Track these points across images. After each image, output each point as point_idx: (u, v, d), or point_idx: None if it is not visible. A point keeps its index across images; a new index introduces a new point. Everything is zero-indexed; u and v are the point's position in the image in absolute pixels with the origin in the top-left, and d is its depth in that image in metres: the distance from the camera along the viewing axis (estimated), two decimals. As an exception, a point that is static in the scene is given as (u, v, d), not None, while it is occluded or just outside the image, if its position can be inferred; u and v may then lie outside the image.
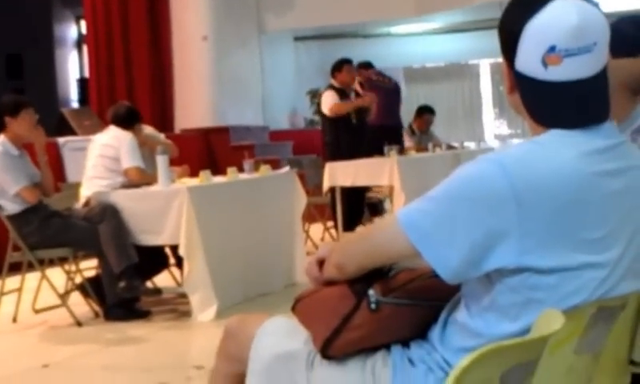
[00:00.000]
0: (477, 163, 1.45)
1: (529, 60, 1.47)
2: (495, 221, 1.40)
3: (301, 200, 6.09)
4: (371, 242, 1.59)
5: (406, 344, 1.63)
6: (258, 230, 5.63)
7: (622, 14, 2.54)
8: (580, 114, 1.47)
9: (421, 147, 8.54)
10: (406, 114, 9.62)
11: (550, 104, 1.48)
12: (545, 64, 1.45)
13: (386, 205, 7.96)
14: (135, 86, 10.53)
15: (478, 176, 1.43)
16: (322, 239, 8.16)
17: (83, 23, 11.62)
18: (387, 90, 8.57)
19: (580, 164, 1.43)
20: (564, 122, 1.47)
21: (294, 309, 1.76)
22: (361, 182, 7.53)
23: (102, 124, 6.08)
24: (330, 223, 8.11)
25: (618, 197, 1.47)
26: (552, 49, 1.44)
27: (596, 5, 1.49)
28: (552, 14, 1.45)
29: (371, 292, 1.62)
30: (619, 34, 2.37)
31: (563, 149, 1.44)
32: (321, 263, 1.72)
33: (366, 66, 8.70)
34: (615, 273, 1.46)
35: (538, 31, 1.45)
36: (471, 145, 10.50)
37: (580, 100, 1.47)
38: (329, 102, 7.78)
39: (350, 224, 7.56)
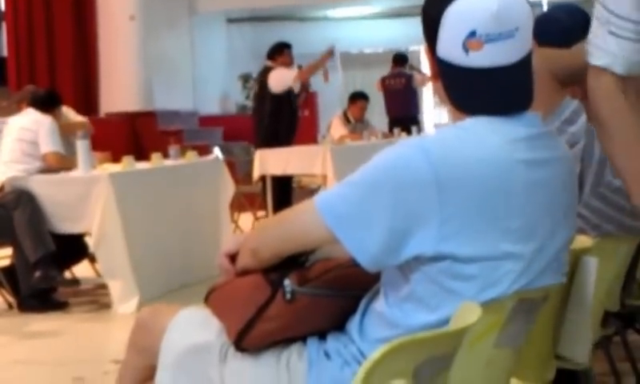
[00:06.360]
0: (398, 147, 1.45)
1: (450, 45, 1.46)
2: (415, 206, 1.39)
3: (228, 188, 5.99)
4: (288, 227, 1.56)
5: (322, 336, 1.60)
6: (183, 219, 5.53)
7: (555, 1, 2.51)
8: (502, 101, 1.47)
9: (356, 135, 8.49)
10: (343, 100, 9.61)
11: (471, 91, 1.47)
12: (466, 49, 1.44)
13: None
14: (57, 67, 10.20)
15: (399, 160, 1.42)
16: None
17: (1, -1, 11.19)
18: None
19: (504, 151, 1.43)
20: (485, 109, 1.46)
21: (206, 300, 1.71)
22: (292, 170, 7.42)
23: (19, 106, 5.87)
24: (261, 213, 7.99)
25: (541, 187, 1.47)
26: (472, 34, 1.43)
27: None
28: None
29: (287, 282, 1.58)
30: (552, 23, 2.34)
31: (487, 134, 1.44)
32: (232, 256, 1.67)
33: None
34: (534, 264, 1.46)
35: (459, 16, 1.44)
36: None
37: (502, 87, 1.46)
38: (288, 74, 7.50)
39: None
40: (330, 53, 7.82)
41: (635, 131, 1.51)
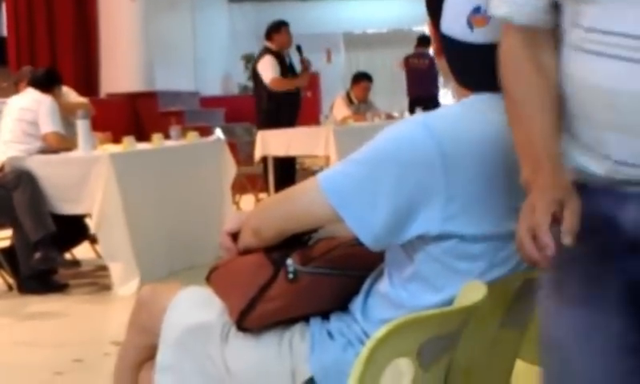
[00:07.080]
0: (402, 125, 1.44)
1: (454, 21, 1.45)
2: (420, 184, 1.38)
3: (230, 169, 5.95)
4: (291, 205, 1.55)
5: (325, 316, 1.59)
6: (184, 201, 5.49)
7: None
8: None
9: (359, 116, 8.45)
10: (346, 81, 9.54)
11: (476, 67, 1.45)
12: (470, 25, 1.42)
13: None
14: (58, 48, 10.10)
15: (404, 138, 1.41)
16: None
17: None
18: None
19: (505, 128, 1.37)
20: (489, 85, 1.42)
21: (208, 279, 1.70)
22: (295, 151, 7.40)
23: (17, 87, 5.82)
24: (263, 194, 7.97)
25: None
26: (477, 10, 1.41)
27: None
28: None
29: (289, 261, 1.58)
30: None
31: (491, 112, 1.42)
32: (234, 235, 1.65)
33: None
34: None
35: None
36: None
37: None
38: (269, 72, 7.49)
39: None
40: (310, 75, 7.95)
41: (535, 97, 1.25)
